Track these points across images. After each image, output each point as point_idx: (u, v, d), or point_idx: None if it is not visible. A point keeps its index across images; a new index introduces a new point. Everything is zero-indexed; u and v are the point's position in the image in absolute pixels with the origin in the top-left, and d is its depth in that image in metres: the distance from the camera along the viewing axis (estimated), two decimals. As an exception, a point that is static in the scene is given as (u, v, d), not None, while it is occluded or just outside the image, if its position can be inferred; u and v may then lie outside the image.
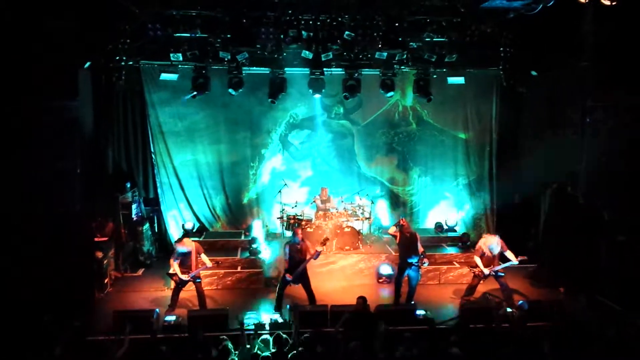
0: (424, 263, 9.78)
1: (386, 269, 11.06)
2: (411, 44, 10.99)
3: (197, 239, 11.39)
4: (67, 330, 7.10)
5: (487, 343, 7.03)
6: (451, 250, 12.01)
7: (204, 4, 9.92)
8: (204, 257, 9.42)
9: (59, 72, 8.87)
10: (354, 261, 11.40)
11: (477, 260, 9.67)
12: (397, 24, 10.33)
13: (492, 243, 9.61)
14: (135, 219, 12.05)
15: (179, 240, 9.76)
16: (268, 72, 11.89)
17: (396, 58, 11.30)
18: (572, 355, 6.72)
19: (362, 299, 8.16)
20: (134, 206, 12.06)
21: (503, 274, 9.60)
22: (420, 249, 9.74)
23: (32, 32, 8.59)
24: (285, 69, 11.83)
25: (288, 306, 9.16)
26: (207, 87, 11.60)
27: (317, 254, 9.43)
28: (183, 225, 12.78)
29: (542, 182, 11.86)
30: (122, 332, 6.98)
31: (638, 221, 9.81)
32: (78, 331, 7.30)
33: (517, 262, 9.52)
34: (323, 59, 10.94)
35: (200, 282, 9.50)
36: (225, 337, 7.25)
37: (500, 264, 9.58)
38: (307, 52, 10.73)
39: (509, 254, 9.59)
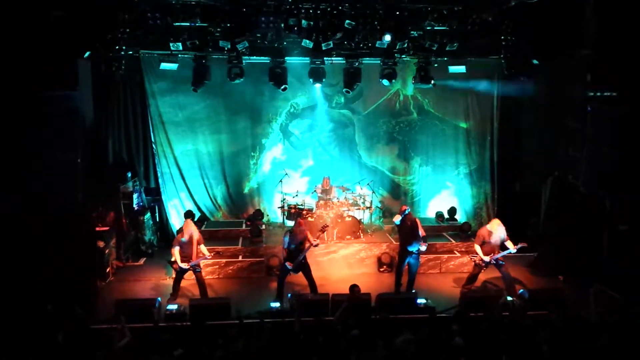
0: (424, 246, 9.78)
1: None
2: (412, 32, 10.93)
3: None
4: (69, 318, 7.14)
5: (487, 331, 7.06)
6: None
7: (204, -8, 9.88)
8: (202, 248, 9.43)
9: (59, 62, 8.83)
10: (355, 250, 11.44)
11: (477, 248, 9.67)
12: (397, 13, 10.29)
13: (495, 227, 9.59)
14: (136, 208, 12.08)
15: (181, 229, 9.77)
16: (268, 61, 11.84)
17: (397, 47, 11.25)
18: (572, 343, 6.75)
19: (356, 288, 8.20)
20: (135, 196, 12.08)
21: (503, 263, 9.61)
22: (422, 233, 9.74)
23: (32, 22, 8.55)
24: (286, 58, 11.78)
25: (289, 295, 9.20)
26: (207, 77, 11.57)
27: (317, 243, 9.46)
28: (185, 214, 12.80)
29: (543, 171, 11.86)
30: (119, 323, 7.03)
31: (638, 210, 9.82)
32: (80, 319, 7.35)
33: (515, 251, 9.52)
34: (323, 48, 10.89)
35: (200, 271, 9.53)
36: None
37: (500, 252, 9.59)
38: (307, 41, 10.68)
39: (508, 242, 9.60)
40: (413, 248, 9.64)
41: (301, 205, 12.31)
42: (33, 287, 8.44)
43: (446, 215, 13.19)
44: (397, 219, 9.87)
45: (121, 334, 6.88)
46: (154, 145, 12.78)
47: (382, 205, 13.55)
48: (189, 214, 12.51)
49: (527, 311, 8.00)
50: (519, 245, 9.47)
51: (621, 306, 8.28)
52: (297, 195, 12.54)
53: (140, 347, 6.89)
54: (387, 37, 10.48)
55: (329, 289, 9.44)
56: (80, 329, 7.21)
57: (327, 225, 9.93)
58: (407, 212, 9.79)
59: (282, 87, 11.87)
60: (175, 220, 12.99)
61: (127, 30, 10.47)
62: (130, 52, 11.29)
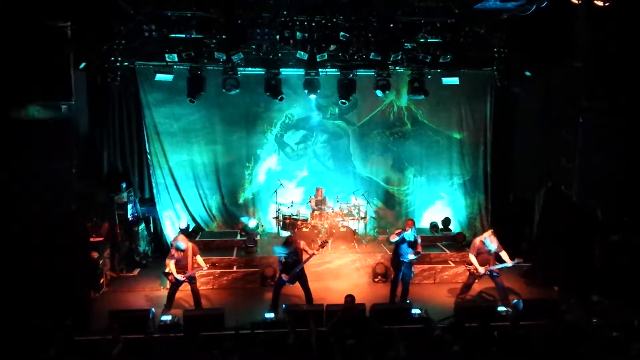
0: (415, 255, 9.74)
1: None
2: (406, 44, 11.03)
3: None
4: (59, 330, 7.09)
5: (481, 342, 7.07)
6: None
7: (199, 4, 9.92)
8: (199, 259, 9.42)
9: (54, 73, 8.86)
10: (349, 260, 11.44)
11: (472, 258, 9.68)
12: (391, 25, 10.38)
13: (487, 238, 9.62)
14: (130, 219, 12.05)
15: (176, 237, 9.74)
16: (263, 72, 11.91)
17: (391, 59, 11.34)
18: (566, 354, 6.76)
19: (350, 298, 8.20)
20: (129, 206, 12.05)
21: (498, 274, 9.62)
22: (419, 248, 9.72)
23: (27, 32, 8.58)
24: (281, 69, 11.85)
25: (284, 305, 9.18)
26: (202, 88, 11.62)
27: (317, 253, 9.49)
28: (179, 226, 12.78)
29: (536, 181, 11.93)
30: (113, 332, 6.99)
31: (631, 220, 9.89)
32: (71, 331, 7.30)
33: (511, 264, 9.53)
34: (318, 60, 10.97)
35: (195, 282, 9.50)
36: None
37: (496, 264, 9.60)
38: (302, 52, 10.75)
39: (504, 254, 9.61)
40: (405, 258, 9.66)
41: (296, 215, 12.32)
42: (25, 299, 8.39)
43: (440, 226, 13.23)
44: (394, 238, 9.77)
45: (113, 342, 6.84)
46: (148, 156, 12.79)
47: (377, 215, 13.58)
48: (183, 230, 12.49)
49: (519, 321, 8.00)
50: (516, 261, 9.49)
51: (615, 315, 8.31)
52: (291, 206, 12.56)
53: (134, 359, 6.86)
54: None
55: (324, 300, 9.44)
56: (71, 342, 7.16)
57: (327, 242, 9.92)
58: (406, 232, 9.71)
59: (279, 97, 11.93)
60: (170, 231, 12.97)
61: (123, 41, 10.53)
62: (126, 63, 11.34)
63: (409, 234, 9.60)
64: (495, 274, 9.60)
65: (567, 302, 9.04)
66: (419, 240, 9.75)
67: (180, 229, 12.48)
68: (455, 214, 13.76)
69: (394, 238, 9.74)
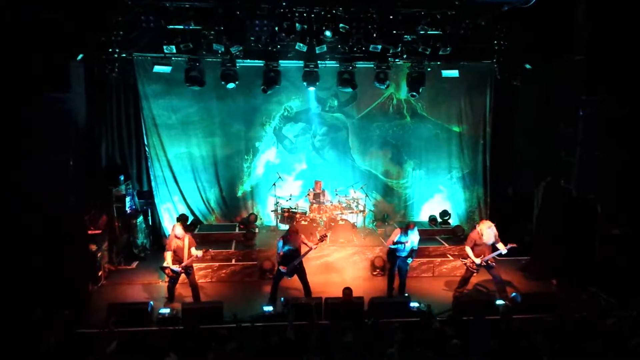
0: (409, 259, 9.78)
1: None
2: (405, 36, 10.95)
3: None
4: (58, 322, 7.09)
5: (480, 335, 7.07)
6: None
7: (198, -5, 9.87)
8: (193, 251, 9.35)
9: (52, 65, 8.81)
10: (348, 254, 11.43)
11: (468, 250, 9.67)
12: (391, 17, 10.31)
13: (485, 229, 9.59)
14: (129, 211, 12.02)
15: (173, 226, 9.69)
16: (262, 64, 11.83)
17: (390, 51, 11.26)
18: (565, 347, 6.77)
19: (348, 290, 8.21)
20: (127, 199, 12.03)
21: (494, 265, 9.60)
22: (410, 252, 9.73)
23: (24, 24, 8.52)
24: (280, 61, 11.78)
25: (282, 299, 9.17)
26: (201, 80, 11.56)
27: (315, 247, 9.49)
28: (177, 218, 12.75)
29: (535, 175, 11.90)
30: (109, 327, 6.99)
31: (631, 214, 9.87)
32: (69, 322, 7.29)
33: (505, 252, 9.50)
34: (317, 52, 10.90)
35: (192, 273, 9.47)
36: None
37: (491, 254, 9.58)
38: (301, 44, 10.68)
39: (499, 244, 9.59)
40: (400, 253, 9.66)
41: (294, 208, 12.30)
42: (24, 291, 8.38)
43: (439, 219, 13.22)
44: (390, 244, 9.80)
45: (110, 337, 6.83)
46: (147, 148, 12.74)
47: (376, 208, 13.56)
48: (180, 218, 12.49)
49: (512, 314, 7.97)
50: (509, 246, 9.47)
51: (614, 309, 8.32)
52: (290, 199, 12.53)
53: (132, 352, 6.84)
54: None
55: (322, 293, 9.43)
56: (69, 333, 7.15)
57: (326, 235, 9.94)
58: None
59: (263, 89, 11.76)
60: (168, 224, 12.94)
61: (121, 32, 10.43)
62: (124, 55, 11.24)
63: (405, 237, 9.61)
64: (491, 264, 9.58)
65: (576, 297, 9.02)
66: (416, 246, 9.73)
67: (178, 219, 12.47)
68: (454, 207, 13.75)
69: (390, 244, 9.77)
